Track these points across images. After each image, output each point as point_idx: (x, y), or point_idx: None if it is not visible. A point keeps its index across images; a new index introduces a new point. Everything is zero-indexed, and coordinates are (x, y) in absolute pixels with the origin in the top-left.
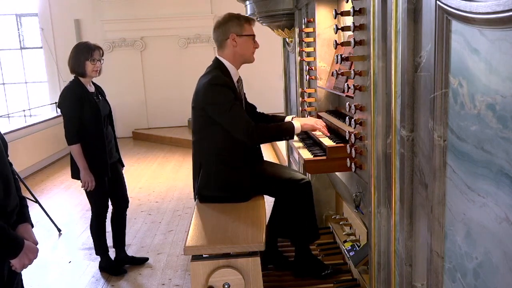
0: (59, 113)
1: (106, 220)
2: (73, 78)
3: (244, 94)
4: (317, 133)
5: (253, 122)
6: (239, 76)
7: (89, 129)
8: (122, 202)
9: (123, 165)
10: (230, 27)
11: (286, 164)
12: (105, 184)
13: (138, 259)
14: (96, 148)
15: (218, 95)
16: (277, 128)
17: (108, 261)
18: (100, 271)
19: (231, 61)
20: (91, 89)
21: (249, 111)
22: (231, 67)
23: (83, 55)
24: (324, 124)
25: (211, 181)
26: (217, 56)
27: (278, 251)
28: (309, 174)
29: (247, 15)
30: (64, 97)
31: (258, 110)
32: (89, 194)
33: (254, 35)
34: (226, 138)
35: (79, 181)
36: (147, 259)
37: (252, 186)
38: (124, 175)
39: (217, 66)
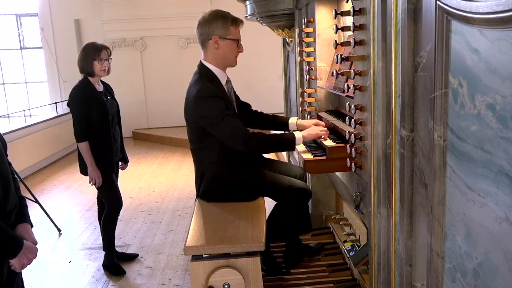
0: (59, 113)
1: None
2: (82, 77)
3: (235, 93)
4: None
5: (249, 130)
6: (227, 78)
7: (96, 127)
8: None
9: (127, 161)
10: (214, 28)
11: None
12: (114, 179)
13: (129, 255)
14: (103, 146)
15: (208, 108)
16: (277, 140)
17: (111, 259)
18: (103, 269)
19: (216, 64)
20: (100, 88)
21: (242, 110)
22: (217, 70)
23: (91, 55)
24: (326, 129)
25: (215, 185)
26: (202, 61)
27: (272, 256)
28: (309, 174)
29: (247, 15)
30: (73, 96)
31: (258, 110)
32: (102, 192)
33: (239, 40)
34: (224, 145)
35: (83, 176)
36: (137, 255)
37: (255, 188)
38: (124, 175)
39: (203, 74)
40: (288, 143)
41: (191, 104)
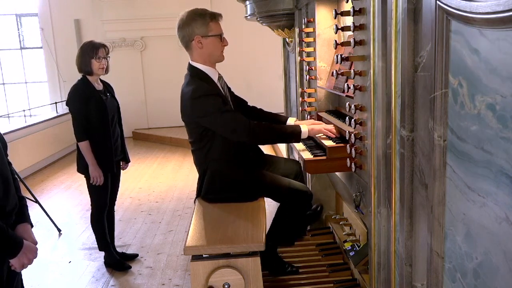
0: (59, 113)
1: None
2: (81, 76)
3: (229, 88)
4: (319, 135)
5: (252, 121)
6: (219, 74)
7: (96, 126)
8: (113, 200)
9: (128, 161)
10: (194, 28)
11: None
12: (108, 181)
13: (129, 255)
14: (102, 145)
15: (206, 106)
16: (282, 130)
17: (112, 257)
18: (106, 267)
19: (203, 62)
20: (99, 87)
21: (238, 106)
22: (207, 68)
23: (88, 54)
24: (333, 127)
25: (216, 184)
26: (190, 62)
27: (278, 256)
28: (309, 174)
29: (247, 15)
30: (71, 95)
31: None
32: (92, 190)
33: (221, 34)
34: (224, 144)
35: (83, 176)
36: (137, 255)
37: (255, 189)
38: (124, 175)
39: (194, 74)
40: (293, 136)
41: (188, 105)
